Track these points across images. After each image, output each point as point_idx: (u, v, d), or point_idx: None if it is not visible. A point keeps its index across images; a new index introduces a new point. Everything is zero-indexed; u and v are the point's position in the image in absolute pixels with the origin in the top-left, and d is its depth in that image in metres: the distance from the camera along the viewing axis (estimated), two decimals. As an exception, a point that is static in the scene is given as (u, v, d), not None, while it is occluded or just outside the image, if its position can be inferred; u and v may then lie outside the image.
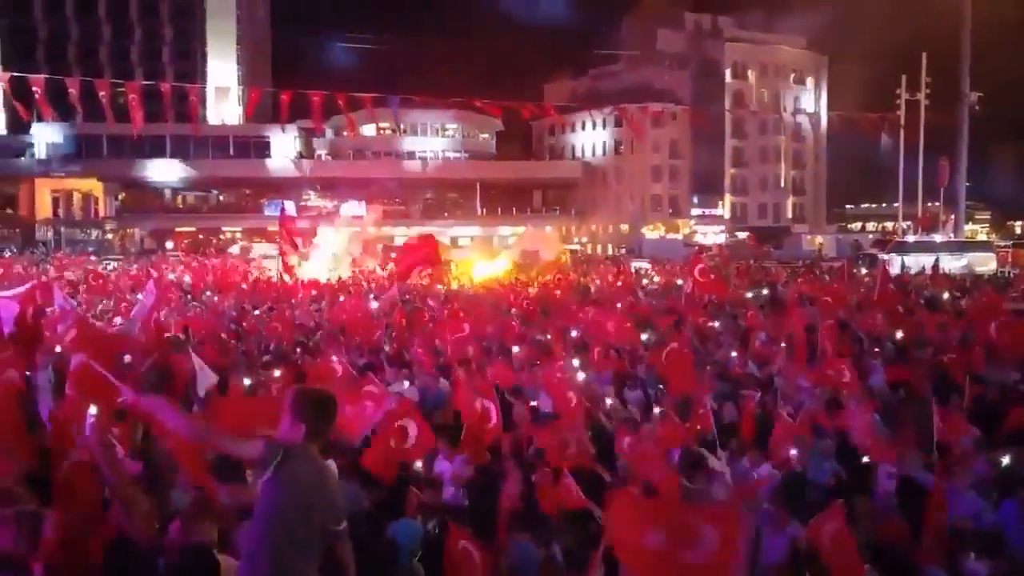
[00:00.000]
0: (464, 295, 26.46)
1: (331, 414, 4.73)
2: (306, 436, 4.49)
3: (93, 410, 4.71)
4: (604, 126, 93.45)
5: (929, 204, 62.88)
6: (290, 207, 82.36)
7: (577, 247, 76.41)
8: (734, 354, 13.38)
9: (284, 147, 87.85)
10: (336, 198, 79.90)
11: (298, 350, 14.22)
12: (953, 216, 60.95)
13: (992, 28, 60.29)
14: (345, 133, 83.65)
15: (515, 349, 13.93)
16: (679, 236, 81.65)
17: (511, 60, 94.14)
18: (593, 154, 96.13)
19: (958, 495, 6.97)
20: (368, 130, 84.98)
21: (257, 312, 20.30)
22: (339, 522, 4.55)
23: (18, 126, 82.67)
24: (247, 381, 10.51)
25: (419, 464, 8.08)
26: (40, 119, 74.48)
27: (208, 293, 26.71)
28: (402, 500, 7.31)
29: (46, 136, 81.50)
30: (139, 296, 17.50)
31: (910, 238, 53.32)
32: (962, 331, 15.23)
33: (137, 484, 6.06)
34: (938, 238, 51.82)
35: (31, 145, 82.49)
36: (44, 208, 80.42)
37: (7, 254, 55.44)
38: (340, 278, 33.32)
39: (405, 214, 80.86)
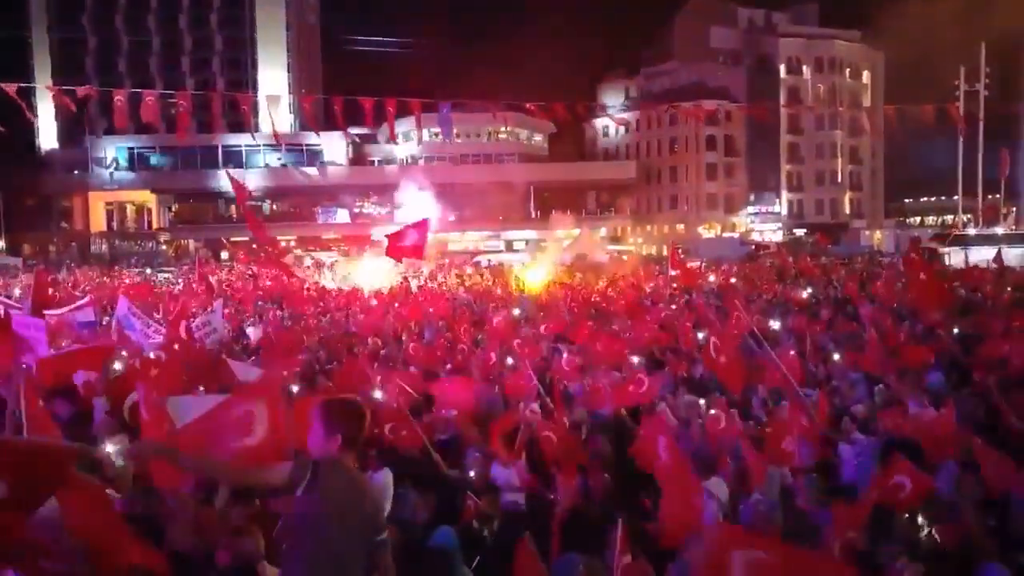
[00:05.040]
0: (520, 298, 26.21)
1: (364, 421, 4.59)
2: (342, 447, 4.40)
3: None
4: (658, 125, 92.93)
5: (990, 196, 61.65)
6: (343, 214, 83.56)
7: (632, 248, 75.96)
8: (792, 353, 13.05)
9: (336, 154, 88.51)
10: (389, 204, 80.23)
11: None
12: (1015, 208, 59.80)
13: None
14: (398, 140, 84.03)
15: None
16: (735, 235, 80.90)
17: (563, 61, 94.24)
18: (648, 154, 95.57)
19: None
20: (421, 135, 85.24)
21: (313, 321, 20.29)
22: (379, 532, 4.47)
23: (71, 139, 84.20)
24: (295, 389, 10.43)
25: (472, 472, 7.99)
26: (92, 132, 76.10)
27: (262, 303, 26.74)
28: (459, 508, 7.26)
29: (99, 149, 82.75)
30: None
31: (971, 231, 52.28)
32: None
33: (194, 496, 6.10)
34: (1000, 230, 50.77)
35: (84, 158, 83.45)
36: (98, 221, 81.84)
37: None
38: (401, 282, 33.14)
39: (459, 218, 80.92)
